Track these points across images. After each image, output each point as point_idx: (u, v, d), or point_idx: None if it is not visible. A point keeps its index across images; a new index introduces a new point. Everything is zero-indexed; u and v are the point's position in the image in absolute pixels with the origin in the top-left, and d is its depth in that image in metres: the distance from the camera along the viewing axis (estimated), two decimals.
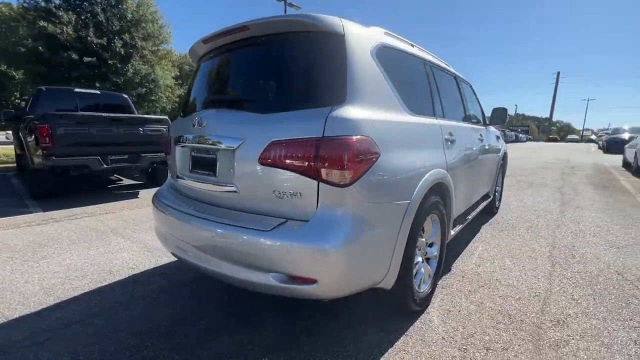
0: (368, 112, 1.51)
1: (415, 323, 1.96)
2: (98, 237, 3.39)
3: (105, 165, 4.85)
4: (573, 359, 1.67)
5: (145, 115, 5.38)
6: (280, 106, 1.56)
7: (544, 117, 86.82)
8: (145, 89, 13.87)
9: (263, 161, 1.49)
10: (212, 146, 1.70)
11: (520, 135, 39.43)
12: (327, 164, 1.36)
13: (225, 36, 1.81)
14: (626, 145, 10.99)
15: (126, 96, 6.67)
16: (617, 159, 13.14)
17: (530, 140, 45.79)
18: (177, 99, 17.47)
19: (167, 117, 5.55)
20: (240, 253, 1.47)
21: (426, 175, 1.83)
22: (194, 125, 1.79)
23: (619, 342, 1.81)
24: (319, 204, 1.41)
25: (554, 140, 47.64)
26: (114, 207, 4.68)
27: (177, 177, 2.01)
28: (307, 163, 1.39)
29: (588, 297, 2.29)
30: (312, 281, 1.37)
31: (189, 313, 2.04)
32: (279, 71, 1.64)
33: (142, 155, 5.20)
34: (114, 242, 3.28)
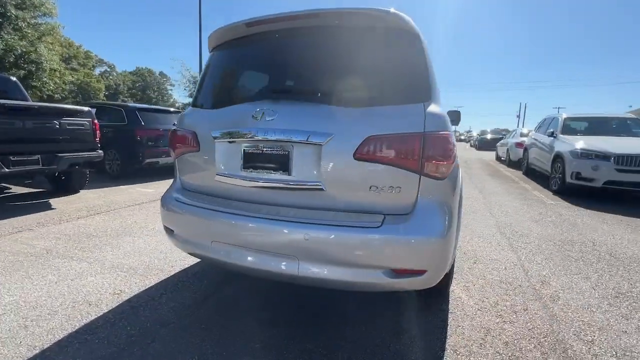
0: (442, 109, 1.62)
1: (450, 301, 2.18)
2: (34, 263, 2.59)
3: (5, 169, 3.67)
4: (568, 307, 2.14)
5: (64, 105, 4.25)
6: (370, 101, 1.53)
7: None
8: (23, 71, 10.58)
9: (360, 156, 1.45)
10: (284, 142, 1.54)
11: None
12: (431, 158, 1.42)
13: (283, 22, 1.65)
14: (498, 144, 14.04)
15: (15, 79, 5.11)
16: (489, 154, 16.62)
17: None
18: (68, 86, 14.02)
19: (89, 109, 4.51)
20: (347, 253, 1.39)
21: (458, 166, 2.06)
22: (256, 118, 1.58)
23: (585, 289, 2.40)
24: (418, 197, 1.46)
25: None
26: (26, 223, 3.59)
27: (220, 175, 1.73)
28: (410, 157, 1.42)
29: (546, 260, 2.93)
30: (422, 272, 1.41)
31: (232, 332, 1.79)
32: (364, 65, 1.58)
33: (59, 155, 4.12)
34: (63, 266, 2.55)
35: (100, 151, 4.64)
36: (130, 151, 6.30)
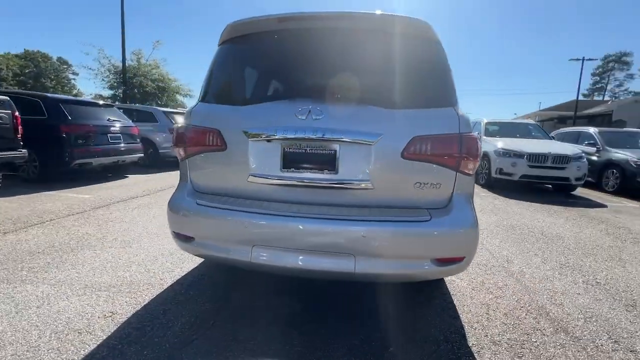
0: None
1: (447, 285, 2.43)
2: None
3: None
4: (534, 279, 2.59)
5: None
6: (410, 103, 1.63)
7: None
8: None
9: (407, 156, 1.54)
10: (332, 141, 1.54)
11: None
12: (466, 156, 1.59)
13: (318, 21, 1.64)
14: None
15: None
16: None
17: None
18: None
19: (8, 99, 3.67)
20: (402, 247, 1.47)
21: None
22: (301, 117, 1.54)
23: (539, 263, 2.92)
24: (454, 192, 1.62)
25: None
26: None
27: (254, 176, 1.63)
28: (450, 156, 1.57)
29: (501, 242, 3.46)
30: (462, 259, 1.58)
31: (265, 341, 1.72)
32: (402, 70, 1.66)
33: None
34: (16, 292, 2.07)
35: (23, 150, 3.82)
36: (53, 151, 5.28)
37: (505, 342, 1.78)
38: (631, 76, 47.50)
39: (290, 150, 1.59)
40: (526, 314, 2.07)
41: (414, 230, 1.48)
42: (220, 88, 1.86)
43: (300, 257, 1.52)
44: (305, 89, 1.75)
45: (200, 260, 2.64)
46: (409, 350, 1.68)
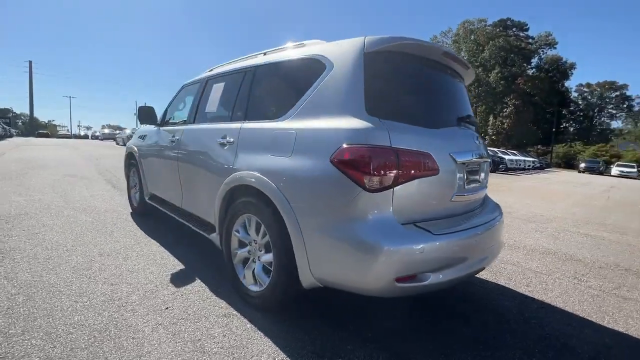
0: None
1: None
2: None
3: None
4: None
5: None
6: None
7: (21, 112, 76.71)
8: None
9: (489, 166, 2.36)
10: (482, 160, 2.02)
11: None
12: None
13: (454, 62, 2.00)
14: None
15: None
16: None
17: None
18: None
19: None
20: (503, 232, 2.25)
21: None
22: (477, 142, 1.94)
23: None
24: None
25: (46, 135, 43.49)
26: None
27: (457, 196, 1.81)
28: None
29: None
30: None
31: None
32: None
33: None
34: None
35: None
36: None
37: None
38: None
39: (468, 169, 1.91)
40: None
41: (503, 219, 2.30)
42: (393, 102, 1.74)
43: (487, 254, 1.92)
44: (453, 118, 2.01)
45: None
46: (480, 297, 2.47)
